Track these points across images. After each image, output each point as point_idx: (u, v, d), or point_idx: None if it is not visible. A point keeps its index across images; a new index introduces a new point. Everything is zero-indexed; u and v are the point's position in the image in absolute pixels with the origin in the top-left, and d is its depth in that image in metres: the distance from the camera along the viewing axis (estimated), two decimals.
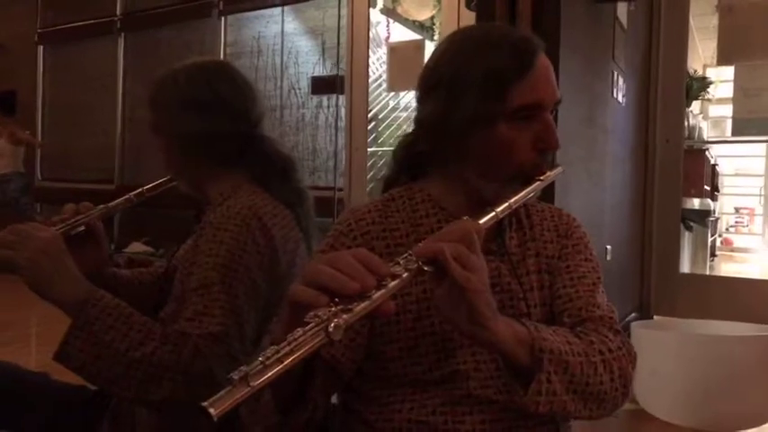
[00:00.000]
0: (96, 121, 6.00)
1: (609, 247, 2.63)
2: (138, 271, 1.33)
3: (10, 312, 3.52)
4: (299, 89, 4.91)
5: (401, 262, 0.67)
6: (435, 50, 0.91)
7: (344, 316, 0.58)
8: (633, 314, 3.30)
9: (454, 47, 0.89)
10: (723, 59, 3.64)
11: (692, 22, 3.73)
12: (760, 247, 8.46)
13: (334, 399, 0.88)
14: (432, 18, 5.53)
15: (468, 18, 3.65)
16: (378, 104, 5.44)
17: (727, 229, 8.99)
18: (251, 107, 1.18)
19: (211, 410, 0.51)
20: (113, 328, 0.92)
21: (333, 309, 0.59)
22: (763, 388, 2.08)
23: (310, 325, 0.57)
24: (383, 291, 0.62)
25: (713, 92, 6.24)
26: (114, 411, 1.16)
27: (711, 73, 6.61)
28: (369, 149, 4.50)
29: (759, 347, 2.11)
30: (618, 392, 0.81)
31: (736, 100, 3.70)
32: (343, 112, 4.58)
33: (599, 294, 0.89)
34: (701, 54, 6.63)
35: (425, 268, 0.67)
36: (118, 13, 5.81)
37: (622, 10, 2.87)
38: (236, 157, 1.16)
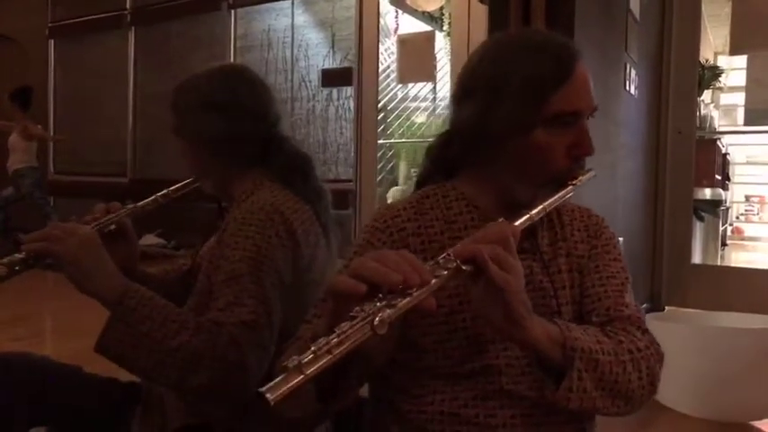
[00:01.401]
0: (107, 114, 6.04)
1: (621, 239, 2.64)
2: (163, 269, 1.37)
3: (22, 307, 3.57)
4: (310, 82, 4.93)
5: (440, 261, 0.69)
6: (475, 53, 0.92)
7: (389, 311, 0.60)
8: (645, 305, 3.31)
9: (494, 51, 0.90)
10: (736, 49, 3.63)
11: (703, 9, 3.71)
12: None
13: (365, 389, 0.90)
14: (441, 9, 5.51)
15: (478, 9, 3.66)
16: (386, 96, 5.45)
17: (737, 218, 8.96)
18: (270, 109, 1.22)
19: (269, 396, 0.53)
20: (150, 319, 0.96)
21: (378, 303, 0.61)
22: None
23: (357, 319, 0.59)
24: (425, 288, 0.64)
25: (725, 80, 6.20)
26: (145, 403, 1.20)
27: (722, 61, 6.56)
28: (378, 141, 4.53)
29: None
30: (645, 390, 0.82)
31: (748, 90, 3.69)
32: (352, 103, 4.60)
33: (627, 294, 0.91)
34: (713, 42, 6.59)
35: (464, 267, 0.69)
36: (128, 6, 5.83)
37: (635, 2, 2.87)
38: (257, 158, 1.19)
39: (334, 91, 4.86)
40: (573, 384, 0.75)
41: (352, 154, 4.63)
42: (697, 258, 4.09)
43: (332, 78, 4.75)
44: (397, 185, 5.64)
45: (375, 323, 0.59)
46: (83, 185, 6.06)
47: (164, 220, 5.16)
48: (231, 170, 1.20)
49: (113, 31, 5.91)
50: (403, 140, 5.95)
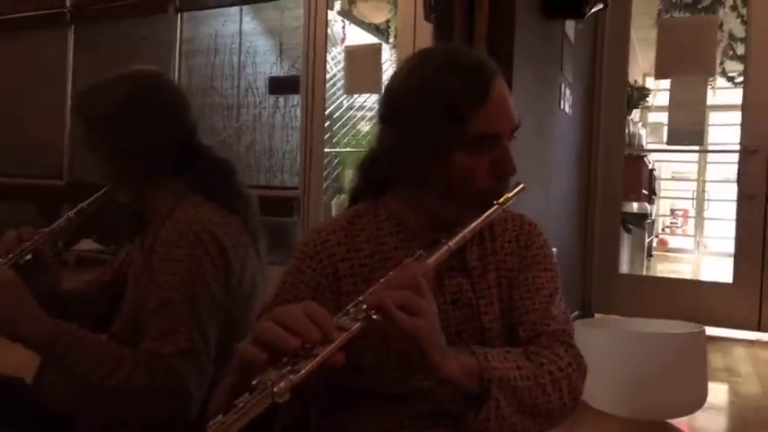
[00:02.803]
0: (43, 114, 5.83)
1: (555, 249, 2.78)
2: (84, 282, 1.32)
3: None
4: (257, 89, 4.91)
5: (351, 311, 0.71)
6: (394, 75, 0.93)
7: (291, 377, 0.61)
8: (576, 312, 3.49)
9: (412, 72, 0.89)
10: (660, 74, 3.88)
11: (632, 34, 3.96)
12: (692, 247, 8.92)
13: None
14: (387, 22, 5.62)
15: (424, 24, 3.77)
16: (333, 104, 5.50)
17: (663, 230, 9.43)
18: (186, 116, 1.17)
19: None
20: (84, 360, 0.94)
21: (281, 370, 0.62)
22: (691, 379, 2.27)
23: (256, 392, 0.60)
24: (331, 345, 0.65)
25: (652, 100, 6.58)
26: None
27: (650, 82, 6.94)
28: (324, 150, 4.57)
29: (689, 343, 2.30)
30: (566, 407, 0.85)
31: (671, 111, 3.95)
32: (299, 112, 4.62)
33: (555, 306, 0.93)
34: (641, 64, 6.96)
35: (374, 317, 0.70)
36: (68, 4, 5.66)
37: (570, 26, 3.04)
38: (175, 168, 1.15)
39: (281, 98, 4.86)
40: (491, 413, 0.77)
41: (298, 162, 4.65)
42: (624, 268, 4.33)
43: (279, 86, 4.76)
44: (342, 194, 5.70)
45: (275, 391, 0.59)
46: (16, 188, 5.82)
47: (100, 224, 5.02)
48: (148, 181, 1.15)
49: (52, 29, 5.73)
50: (348, 149, 6.02)
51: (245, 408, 0.59)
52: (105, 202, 1.23)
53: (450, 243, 0.82)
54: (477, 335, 0.91)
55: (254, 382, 0.61)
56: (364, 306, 0.71)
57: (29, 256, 1.12)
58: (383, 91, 0.93)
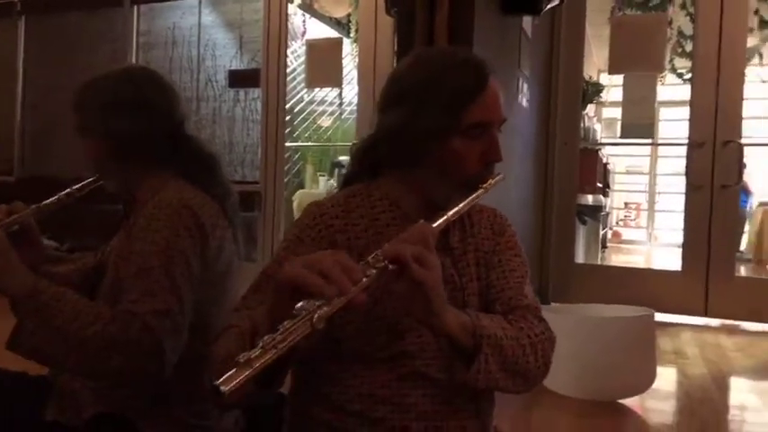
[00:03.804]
0: None
1: None
2: (68, 268, 1.34)
3: None
4: (216, 82, 4.88)
5: (370, 260, 0.78)
6: (400, 66, 1.02)
7: (326, 308, 0.69)
8: (531, 288, 3.58)
9: (418, 65, 0.99)
10: (614, 69, 4.02)
11: (588, 30, 4.08)
12: (645, 239, 9.22)
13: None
14: (348, 15, 5.62)
15: (385, 18, 3.81)
16: (293, 99, 5.48)
17: (617, 223, 9.71)
18: (176, 108, 1.23)
19: (223, 388, 0.60)
20: (63, 312, 0.98)
21: (316, 302, 0.69)
22: (642, 361, 2.37)
23: (297, 317, 0.67)
24: (356, 288, 0.72)
25: (606, 95, 6.77)
26: (59, 394, 1.20)
27: (604, 78, 7.14)
28: (285, 144, 4.56)
29: (638, 326, 2.40)
30: (540, 370, 0.95)
31: (624, 106, 4.09)
32: (260, 105, 4.60)
33: (526, 286, 1.02)
34: (596, 60, 7.15)
35: (390, 266, 0.77)
36: None
37: (527, 22, 3.12)
38: (164, 158, 1.21)
39: (242, 92, 4.83)
40: (481, 366, 0.85)
41: (259, 156, 4.63)
42: (580, 258, 4.47)
43: (239, 79, 4.73)
44: (303, 188, 5.69)
45: (314, 319, 0.67)
46: None
47: (54, 222, 4.90)
48: (137, 170, 1.21)
49: (1, 19, 5.54)
50: (309, 144, 6.01)
51: (289, 329, 0.66)
52: (93, 189, 1.27)
53: (448, 214, 0.91)
54: (459, 308, 0.97)
55: (294, 309, 0.68)
56: (381, 257, 0.78)
57: (16, 227, 1.15)
58: (387, 81, 1.02)
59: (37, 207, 1.20)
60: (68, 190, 1.25)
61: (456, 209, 0.93)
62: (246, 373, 0.62)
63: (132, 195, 1.22)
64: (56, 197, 1.24)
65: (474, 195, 0.96)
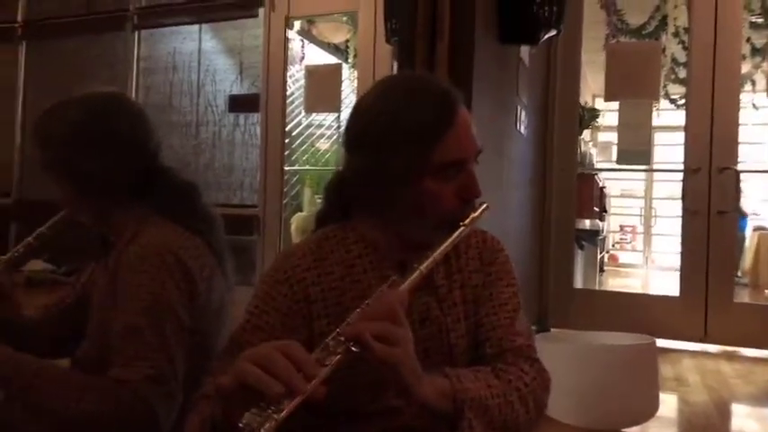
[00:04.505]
0: None
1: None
2: (44, 306, 1.29)
3: None
4: (216, 106, 4.91)
5: (331, 344, 0.73)
6: (360, 104, 0.94)
7: (275, 416, 0.64)
8: (533, 327, 3.58)
9: (382, 101, 0.91)
10: (610, 96, 4.06)
11: (583, 57, 4.13)
12: (641, 262, 9.23)
13: None
14: (346, 42, 5.70)
15: (384, 45, 3.86)
16: (292, 122, 5.52)
17: (613, 246, 9.73)
18: (148, 139, 1.14)
19: None
20: (47, 390, 0.93)
21: (265, 411, 0.64)
22: (645, 389, 2.36)
23: None
24: (313, 382, 0.67)
25: (601, 120, 6.84)
26: None
27: (600, 102, 7.22)
28: (284, 168, 4.58)
29: (641, 354, 2.40)
30: (532, 421, 0.90)
31: (620, 132, 4.14)
32: (259, 130, 4.63)
33: (518, 321, 0.96)
34: (591, 86, 7.23)
35: (353, 349, 0.72)
36: (19, 19, 5.54)
37: (525, 51, 3.17)
38: (138, 193, 1.13)
39: (241, 116, 4.86)
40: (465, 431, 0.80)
41: (258, 179, 4.64)
42: (579, 284, 4.47)
43: (239, 104, 4.77)
44: (301, 211, 5.70)
45: None
46: None
47: (53, 244, 4.87)
48: (108, 204, 1.13)
49: (2, 44, 5.58)
50: (307, 167, 6.03)
51: None
52: (65, 224, 1.21)
53: (421, 267, 0.83)
54: (445, 351, 0.94)
55: (240, 425, 0.63)
56: (342, 338, 0.73)
57: None
58: (349, 118, 0.94)
59: (8, 258, 1.16)
60: (37, 232, 1.20)
61: (429, 260, 0.84)
62: None
63: (110, 228, 1.15)
64: (25, 242, 1.19)
65: (452, 237, 0.87)
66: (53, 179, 1.12)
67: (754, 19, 4.75)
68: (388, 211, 0.92)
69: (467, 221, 0.89)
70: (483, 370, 0.89)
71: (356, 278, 0.92)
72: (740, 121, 3.82)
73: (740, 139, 3.84)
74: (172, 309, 1.02)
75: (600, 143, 7.94)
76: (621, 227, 10.01)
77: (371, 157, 0.89)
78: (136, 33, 4.94)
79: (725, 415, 2.69)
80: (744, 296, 5.85)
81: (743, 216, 7.06)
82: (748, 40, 4.83)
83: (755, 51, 5.04)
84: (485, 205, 0.93)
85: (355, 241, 0.95)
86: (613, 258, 9.28)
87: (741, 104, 3.93)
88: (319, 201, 5.65)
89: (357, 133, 0.92)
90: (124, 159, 1.10)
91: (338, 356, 0.71)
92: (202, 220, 1.15)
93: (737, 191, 3.76)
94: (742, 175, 4.22)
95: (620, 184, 9.86)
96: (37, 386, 0.93)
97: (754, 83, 5.63)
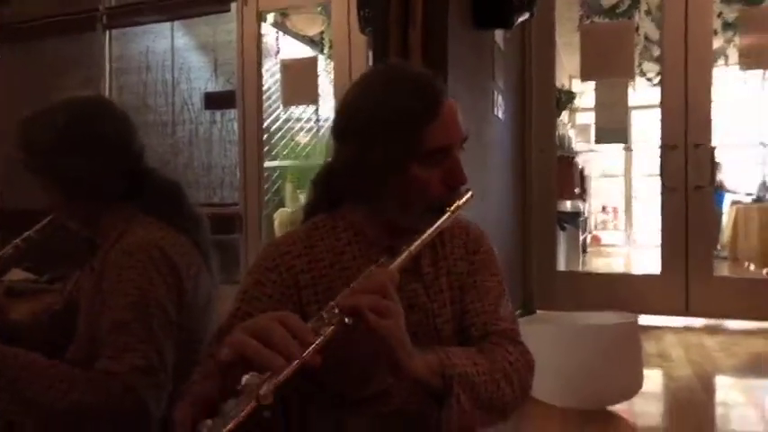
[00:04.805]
0: None
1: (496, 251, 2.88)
2: (31, 311, 1.30)
3: None
4: (192, 104, 4.85)
5: (325, 316, 0.74)
6: (345, 96, 0.96)
7: (273, 380, 0.65)
8: (518, 311, 3.61)
9: (368, 91, 0.94)
10: (585, 76, 4.09)
11: (558, 39, 4.15)
12: (624, 241, 9.33)
13: None
14: (321, 33, 5.66)
15: (359, 35, 3.84)
16: (270, 117, 5.48)
17: (596, 227, 9.83)
18: (132, 141, 1.16)
19: None
20: (35, 383, 0.94)
21: (263, 374, 0.65)
22: (629, 367, 2.40)
23: (243, 395, 0.64)
24: (309, 350, 0.69)
25: (578, 102, 6.88)
26: None
27: (576, 84, 7.25)
28: (264, 164, 4.55)
29: (623, 332, 2.43)
30: (517, 400, 0.92)
31: (597, 112, 4.17)
32: (236, 126, 4.59)
33: (502, 307, 0.99)
34: (566, 67, 7.26)
35: (347, 320, 0.74)
36: None
37: (499, 35, 3.17)
38: (123, 193, 1.15)
39: (218, 113, 4.81)
40: (453, 406, 0.83)
41: (238, 177, 4.60)
42: (562, 266, 4.51)
43: (215, 101, 4.71)
44: (283, 207, 5.67)
45: (260, 394, 0.63)
46: None
47: (33, 252, 4.81)
48: (96, 207, 1.15)
49: None
50: (288, 162, 6.00)
51: (232, 411, 0.63)
52: (53, 229, 1.22)
53: (410, 249, 0.86)
54: (432, 336, 0.96)
55: (239, 386, 0.64)
56: (337, 310, 0.74)
57: None
58: (336, 109, 0.97)
59: None
60: (25, 234, 1.21)
61: (418, 242, 0.87)
62: None
63: (97, 231, 1.16)
64: (12, 244, 1.20)
65: (439, 222, 0.90)
66: (40, 184, 1.14)
67: None
68: (377, 198, 0.94)
69: (452, 207, 0.92)
70: (469, 349, 0.92)
71: (346, 265, 0.94)
72: (716, 97, 3.86)
73: (718, 115, 3.88)
74: (159, 303, 1.03)
75: (578, 125, 8.00)
76: (603, 208, 10.11)
77: (361, 145, 0.91)
78: (107, 33, 4.86)
79: (709, 388, 2.74)
80: (724, 269, 5.95)
81: (721, 191, 7.16)
82: (720, 15, 4.87)
83: (727, 26, 5.07)
84: (470, 193, 0.95)
85: (344, 229, 0.97)
86: (596, 239, 9.37)
87: (715, 79, 3.97)
88: (302, 196, 5.65)
89: (346, 122, 0.95)
90: (111, 162, 1.12)
91: (332, 327, 0.72)
92: (188, 219, 1.17)
93: (713, 166, 3.80)
94: (723, 150, 4.26)
95: (600, 165, 9.94)
96: (25, 378, 0.93)
97: (726, 57, 5.67)
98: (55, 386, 0.94)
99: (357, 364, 0.88)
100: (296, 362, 0.67)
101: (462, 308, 0.99)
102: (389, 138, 0.89)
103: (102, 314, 1.03)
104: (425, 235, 0.88)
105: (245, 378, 0.64)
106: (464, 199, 0.94)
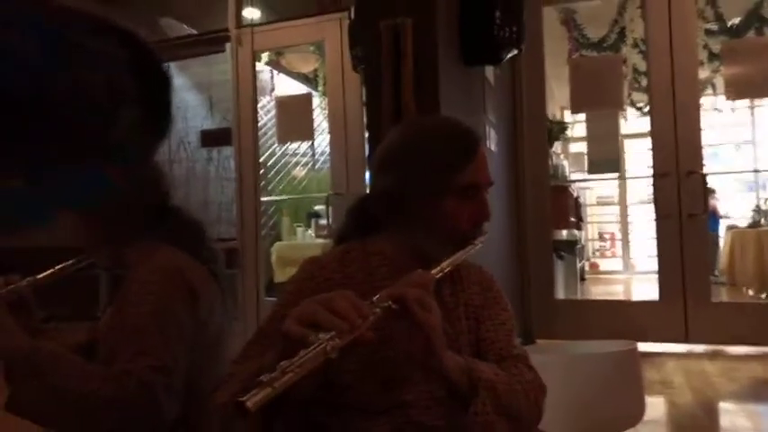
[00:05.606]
0: None
1: None
2: (57, 345, 1.34)
3: None
4: (189, 143, 4.92)
5: (375, 300, 0.82)
6: (392, 134, 1.10)
7: (338, 340, 0.73)
8: (519, 340, 3.60)
9: (410, 133, 1.08)
10: (576, 108, 4.17)
11: (548, 71, 4.23)
12: (622, 268, 9.34)
13: None
14: (315, 70, 5.76)
15: (351, 73, 3.92)
16: (266, 153, 5.53)
17: (593, 254, 9.84)
18: (162, 180, 1.24)
19: (249, 404, 0.64)
20: (59, 370, 0.98)
21: (328, 335, 0.74)
22: (630, 395, 2.39)
23: (313, 346, 0.72)
24: (364, 323, 0.77)
25: (571, 132, 6.98)
26: None
27: (568, 115, 7.36)
28: (261, 199, 4.58)
29: (624, 360, 2.42)
30: (533, 415, 0.99)
31: (589, 144, 4.24)
32: (233, 163, 4.63)
33: (514, 338, 1.09)
34: (557, 98, 7.38)
35: (393, 306, 0.82)
36: None
37: (489, 71, 3.24)
38: (152, 228, 1.20)
39: (214, 151, 4.87)
40: (479, 409, 0.89)
41: (234, 213, 4.63)
42: (560, 294, 4.51)
43: (211, 139, 4.78)
44: (280, 240, 5.69)
45: (328, 349, 0.72)
46: None
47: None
48: (125, 243, 1.19)
49: None
50: (284, 197, 6.04)
51: (305, 357, 0.70)
52: (84, 264, 1.27)
53: (443, 264, 0.97)
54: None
55: (308, 340, 0.72)
56: (385, 297, 0.82)
57: (15, 296, 1.16)
58: (380, 148, 1.09)
59: (34, 279, 1.21)
60: (62, 264, 1.25)
61: (451, 260, 0.98)
62: (268, 391, 0.65)
63: (123, 264, 1.20)
64: (50, 271, 1.24)
65: (466, 249, 1.02)
66: (72, 217, 1.18)
67: (708, 26, 4.91)
68: (408, 226, 1.04)
69: (476, 241, 1.05)
70: (488, 363, 1.00)
71: (376, 285, 1.00)
72: (708, 126, 3.91)
73: (712, 142, 3.93)
74: (176, 317, 1.08)
75: (571, 154, 8.09)
76: (600, 234, 10.14)
77: (402, 175, 1.03)
78: None
79: (712, 414, 2.73)
80: (722, 295, 5.95)
81: (716, 217, 7.21)
82: (705, 46, 4.98)
83: (713, 56, 5.19)
84: (486, 233, 1.08)
85: (376, 253, 1.07)
86: (594, 266, 9.38)
87: (704, 109, 4.04)
88: (299, 229, 5.67)
89: (389, 156, 1.07)
90: (142, 198, 1.18)
91: (382, 310, 0.80)
92: (208, 253, 1.22)
93: (705, 193, 3.84)
94: (716, 177, 4.31)
95: (595, 193, 10.02)
96: (50, 365, 0.98)
97: (714, 87, 5.78)
98: (77, 375, 0.99)
99: (384, 370, 0.95)
100: (354, 333, 0.75)
101: (478, 336, 1.06)
102: (431, 171, 1.01)
103: (121, 327, 1.08)
104: (455, 256, 0.99)
105: (312, 336, 0.73)
106: (485, 236, 1.07)
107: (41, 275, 1.23)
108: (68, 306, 1.37)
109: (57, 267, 1.26)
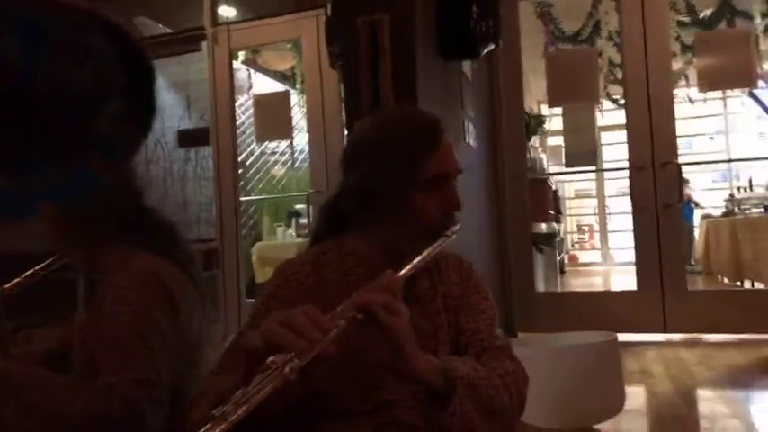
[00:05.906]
0: None
1: None
2: (25, 352, 1.28)
3: None
4: (166, 143, 4.86)
5: (339, 311, 0.81)
6: (357, 129, 1.09)
7: (296, 360, 0.72)
8: (499, 331, 3.62)
9: (376, 128, 1.06)
10: (553, 102, 4.20)
11: (525, 65, 4.25)
12: (601, 260, 9.45)
13: None
14: (293, 68, 5.72)
15: (329, 70, 3.90)
16: (245, 152, 5.49)
17: (572, 246, 9.94)
18: (135, 179, 1.19)
19: None
20: (38, 390, 0.95)
21: (287, 355, 0.72)
22: (611, 384, 2.42)
23: (269, 370, 0.70)
24: (327, 338, 0.76)
25: (548, 125, 7.02)
26: None
27: (545, 108, 7.41)
28: (240, 198, 4.55)
29: (603, 351, 2.45)
30: (515, 408, 0.97)
31: (566, 137, 4.27)
32: (211, 162, 4.59)
33: (496, 327, 1.07)
34: (534, 92, 7.43)
35: (358, 316, 0.81)
36: None
37: (467, 66, 3.25)
38: (126, 231, 1.17)
39: (192, 151, 4.82)
40: (456, 408, 0.87)
41: (214, 213, 4.59)
42: (541, 287, 4.55)
43: (189, 139, 4.73)
44: (261, 240, 5.65)
45: (286, 371, 0.70)
46: None
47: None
48: (99, 245, 1.16)
49: None
50: (264, 196, 6.00)
51: (261, 383, 0.69)
52: (58, 266, 1.25)
53: (414, 262, 0.95)
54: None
55: (265, 364, 0.72)
56: (349, 307, 0.81)
57: None
58: (347, 144, 1.09)
59: (1, 290, 1.18)
60: (31, 270, 1.22)
61: (421, 256, 0.96)
62: (221, 426, 0.64)
63: (97, 268, 1.17)
64: (18, 279, 1.21)
65: (438, 243, 1.00)
66: (45, 218, 1.14)
67: (680, 18, 4.97)
68: (378, 223, 1.03)
69: (448, 232, 1.02)
70: (467, 359, 0.98)
71: (352, 285, 0.98)
72: (683, 116, 3.97)
73: (687, 133, 3.98)
74: (157, 325, 1.05)
75: (549, 147, 8.15)
76: (579, 227, 10.25)
77: (367, 170, 1.02)
78: None
79: (690, 402, 2.77)
80: (698, 283, 6.05)
81: (690, 207, 7.32)
82: (678, 38, 5.04)
83: (686, 48, 5.26)
84: (459, 223, 1.05)
85: (350, 253, 1.06)
86: (573, 258, 9.48)
87: (677, 99, 4.09)
88: (279, 228, 5.64)
89: (354, 153, 1.06)
90: (117, 201, 1.14)
91: (346, 321, 0.79)
92: (184, 256, 1.19)
93: (681, 183, 3.90)
94: (692, 167, 4.37)
95: (573, 186, 10.12)
96: (28, 386, 0.95)
97: (687, 78, 5.86)
98: (58, 394, 0.95)
99: (362, 372, 0.94)
100: (314, 350, 0.74)
101: (458, 329, 1.05)
102: (394, 165, 1.00)
103: (99, 335, 1.05)
104: (426, 252, 0.97)
105: (270, 359, 0.72)
106: (457, 226, 1.04)
107: (9, 285, 1.20)
108: (42, 310, 1.33)
109: (24, 275, 1.23)
